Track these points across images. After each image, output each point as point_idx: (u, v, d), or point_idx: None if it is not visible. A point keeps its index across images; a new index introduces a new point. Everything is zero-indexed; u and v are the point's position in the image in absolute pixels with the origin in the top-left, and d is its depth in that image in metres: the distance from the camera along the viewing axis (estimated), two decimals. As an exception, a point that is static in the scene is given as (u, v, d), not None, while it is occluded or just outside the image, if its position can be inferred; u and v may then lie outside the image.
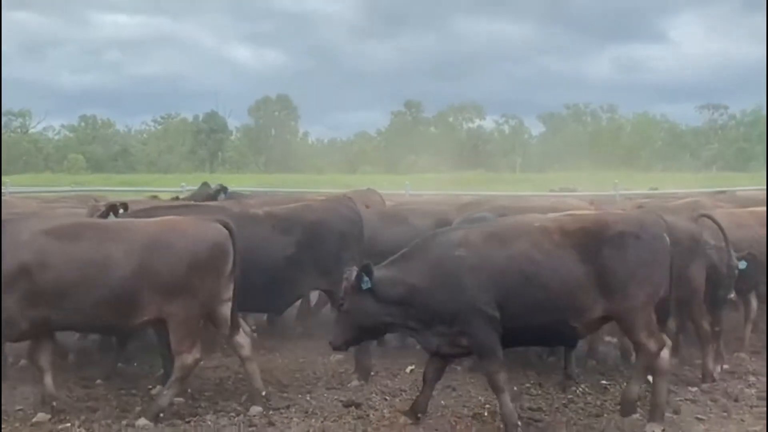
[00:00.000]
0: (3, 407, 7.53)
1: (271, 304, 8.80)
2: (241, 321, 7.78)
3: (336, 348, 7.46)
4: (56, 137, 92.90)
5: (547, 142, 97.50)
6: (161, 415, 7.25)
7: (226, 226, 7.45)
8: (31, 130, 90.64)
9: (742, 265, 9.28)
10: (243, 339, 7.65)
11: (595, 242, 6.87)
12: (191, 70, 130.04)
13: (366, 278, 6.92)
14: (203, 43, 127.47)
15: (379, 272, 6.98)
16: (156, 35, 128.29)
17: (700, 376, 8.81)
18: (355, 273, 6.99)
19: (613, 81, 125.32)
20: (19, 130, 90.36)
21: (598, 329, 7.42)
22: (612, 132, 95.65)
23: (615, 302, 6.88)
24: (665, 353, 7.11)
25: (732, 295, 9.52)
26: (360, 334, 7.32)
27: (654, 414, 7.16)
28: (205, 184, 13.97)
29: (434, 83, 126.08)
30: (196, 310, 7.24)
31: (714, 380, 8.74)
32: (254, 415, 7.45)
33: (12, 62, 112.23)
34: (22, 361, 9.00)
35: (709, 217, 9.46)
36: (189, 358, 7.21)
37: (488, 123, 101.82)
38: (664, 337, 7.19)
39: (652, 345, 6.98)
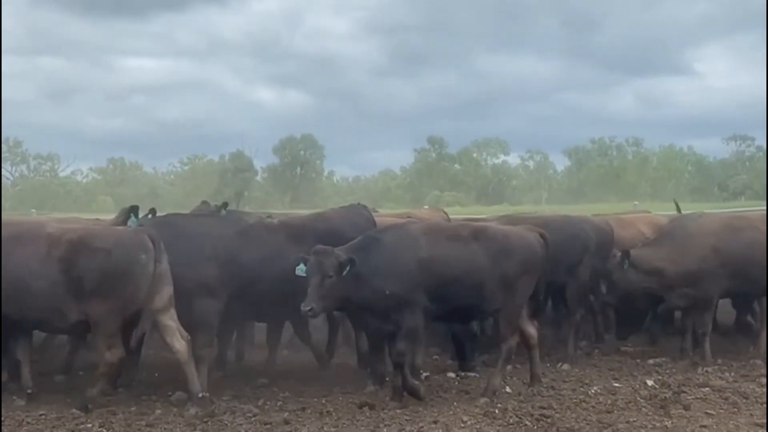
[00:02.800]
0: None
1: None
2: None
3: None
4: (84, 180, 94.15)
5: (573, 177, 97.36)
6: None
7: None
8: (60, 174, 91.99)
9: None
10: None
11: (73, 254, 7.73)
12: (216, 112, 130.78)
13: None
14: (227, 85, 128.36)
15: None
16: (181, 79, 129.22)
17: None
18: None
19: (638, 115, 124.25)
20: (48, 173, 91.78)
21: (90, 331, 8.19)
22: (638, 165, 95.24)
23: (85, 308, 7.70)
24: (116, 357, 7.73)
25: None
26: None
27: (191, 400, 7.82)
28: (204, 203, 14.28)
29: (458, 121, 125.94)
30: None
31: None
32: (192, 415, 7.70)
33: (39, 107, 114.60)
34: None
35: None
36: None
37: (513, 159, 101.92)
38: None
39: (107, 356, 7.70)
